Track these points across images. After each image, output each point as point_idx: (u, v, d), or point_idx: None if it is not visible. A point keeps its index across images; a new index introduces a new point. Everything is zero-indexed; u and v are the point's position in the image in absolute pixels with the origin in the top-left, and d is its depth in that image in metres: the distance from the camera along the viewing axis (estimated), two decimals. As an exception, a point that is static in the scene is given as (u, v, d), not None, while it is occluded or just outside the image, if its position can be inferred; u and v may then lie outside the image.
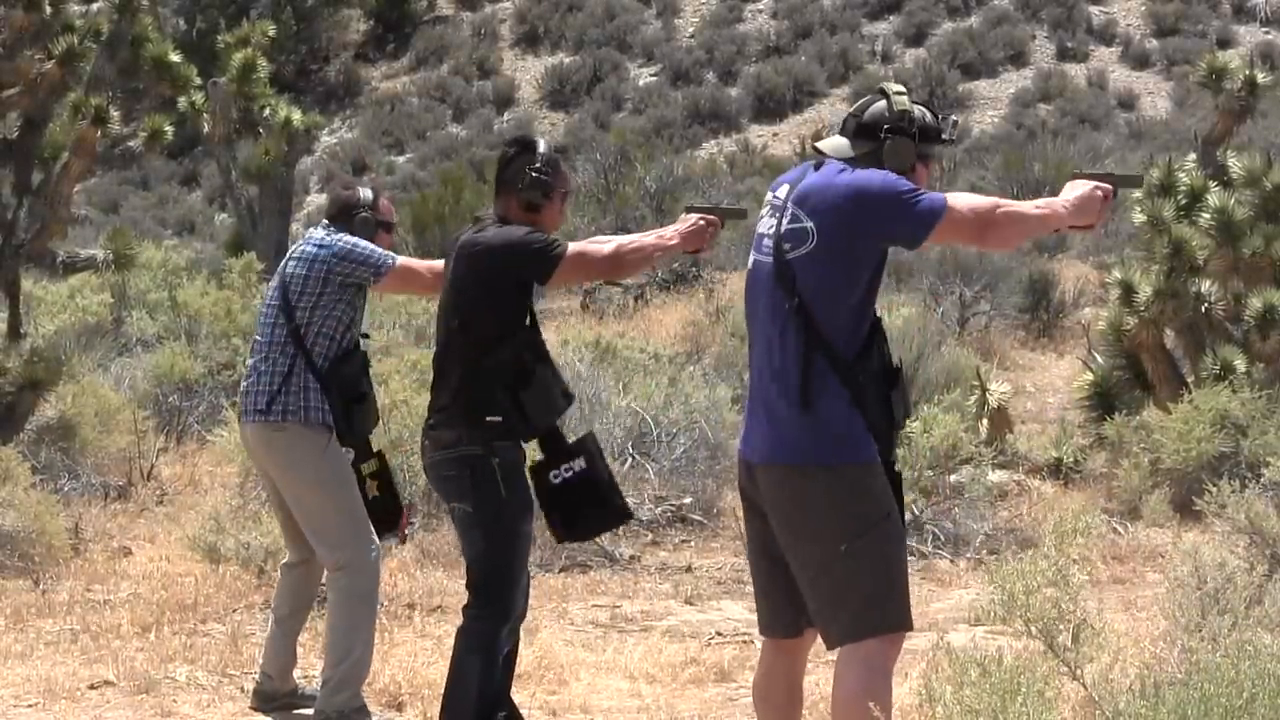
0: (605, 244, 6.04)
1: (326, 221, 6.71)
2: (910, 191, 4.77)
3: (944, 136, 5.01)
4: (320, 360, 6.51)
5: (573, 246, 5.92)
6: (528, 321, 5.91)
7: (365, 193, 6.78)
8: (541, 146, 6.03)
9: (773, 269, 4.85)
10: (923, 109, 4.98)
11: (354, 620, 6.44)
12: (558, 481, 5.91)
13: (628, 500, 6.35)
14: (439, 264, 6.43)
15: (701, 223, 5.95)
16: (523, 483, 5.87)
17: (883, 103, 4.94)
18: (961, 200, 4.83)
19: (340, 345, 6.55)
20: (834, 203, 4.79)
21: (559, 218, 6.07)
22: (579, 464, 5.93)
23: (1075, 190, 5.00)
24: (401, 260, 6.61)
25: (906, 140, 4.90)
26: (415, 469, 9.86)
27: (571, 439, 6.07)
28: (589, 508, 5.95)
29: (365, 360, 6.71)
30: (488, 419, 5.78)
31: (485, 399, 5.79)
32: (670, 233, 5.98)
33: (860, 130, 4.93)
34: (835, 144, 4.97)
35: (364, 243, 6.59)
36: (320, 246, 6.59)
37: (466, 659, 5.82)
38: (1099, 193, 5.00)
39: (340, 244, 6.56)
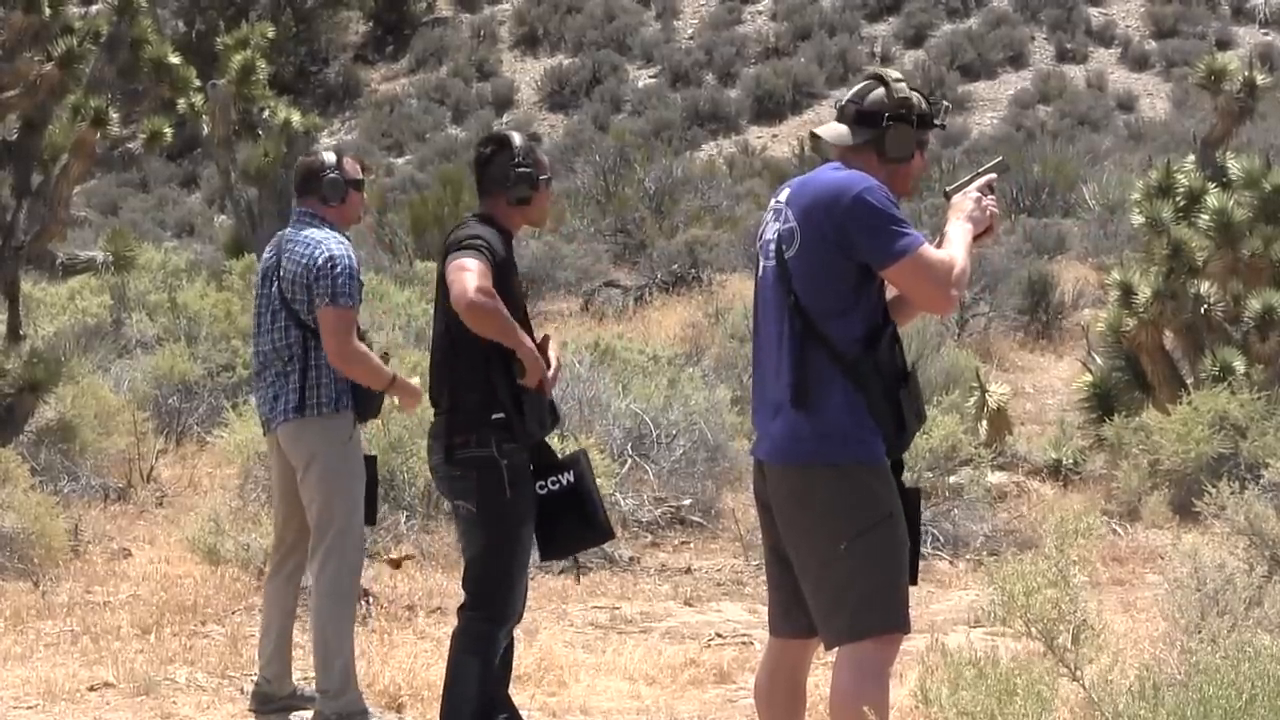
0: None
1: (296, 194, 6.69)
2: (898, 220, 4.74)
3: (936, 122, 5.01)
4: None
5: None
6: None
7: (328, 155, 6.77)
8: (517, 140, 6.01)
9: (775, 270, 4.85)
10: (918, 95, 4.98)
11: (337, 621, 6.43)
12: (543, 492, 5.90)
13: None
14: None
15: None
16: (528, 488, 5.85)
17: (882, 90, 4.92)
18: (934, 251, 4.81)
19: None
20: (815, 199, 4.78)
21: (548, 205, 6.09)
22: (567, 477, 5.92)
23: (959, 210, 5.00)
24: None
25: (906, 127, 4.90)
26: (415, 471, 9.86)
27: (564, 454, 6.08)
28: (573, 522, 5.93)
29: None
30: (493, 417, 5.76)
31: (489, 396, 5.77)
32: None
33: (861, 118, 4.91)
34: (835, 131, 4.94)
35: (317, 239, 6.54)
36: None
37: (464, 660, 5.80)
38: (975, 195, 5.01)
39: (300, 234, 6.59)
